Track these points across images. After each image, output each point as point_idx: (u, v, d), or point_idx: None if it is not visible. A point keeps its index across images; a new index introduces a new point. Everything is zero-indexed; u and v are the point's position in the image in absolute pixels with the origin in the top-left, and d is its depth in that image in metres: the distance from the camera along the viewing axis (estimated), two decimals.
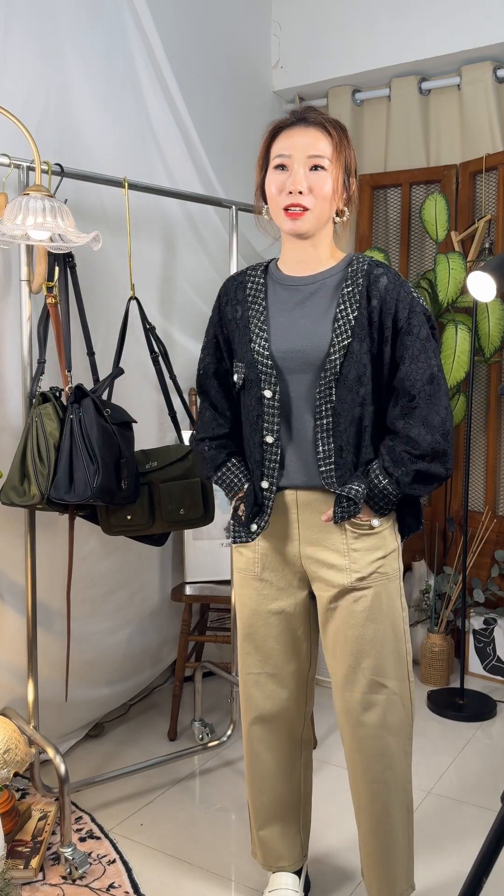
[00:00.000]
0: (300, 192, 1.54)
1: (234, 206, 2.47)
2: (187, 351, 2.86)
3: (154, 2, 2.62)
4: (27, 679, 2.13)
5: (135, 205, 2.51)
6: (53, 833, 2.09)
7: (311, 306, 1.62)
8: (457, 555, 3.25)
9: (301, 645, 1.74)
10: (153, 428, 2.68)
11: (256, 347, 1.63)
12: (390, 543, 1.66)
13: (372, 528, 1.62)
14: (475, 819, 2.20)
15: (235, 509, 1.70)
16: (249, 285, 1.70)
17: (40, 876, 1.94)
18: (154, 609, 2.80)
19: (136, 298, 2.25)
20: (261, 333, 1.63)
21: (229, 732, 2.60)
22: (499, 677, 3.13)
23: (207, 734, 2.62)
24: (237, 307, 1.69)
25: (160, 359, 2.33)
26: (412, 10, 3.23)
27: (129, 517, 2.17)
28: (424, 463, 1.58)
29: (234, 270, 2.47)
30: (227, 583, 2.73)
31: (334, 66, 3.44)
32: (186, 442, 2.42)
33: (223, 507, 2.80)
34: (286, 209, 1.56)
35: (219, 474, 1.73)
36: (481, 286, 2.52)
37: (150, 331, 2.30)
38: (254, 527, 1.66)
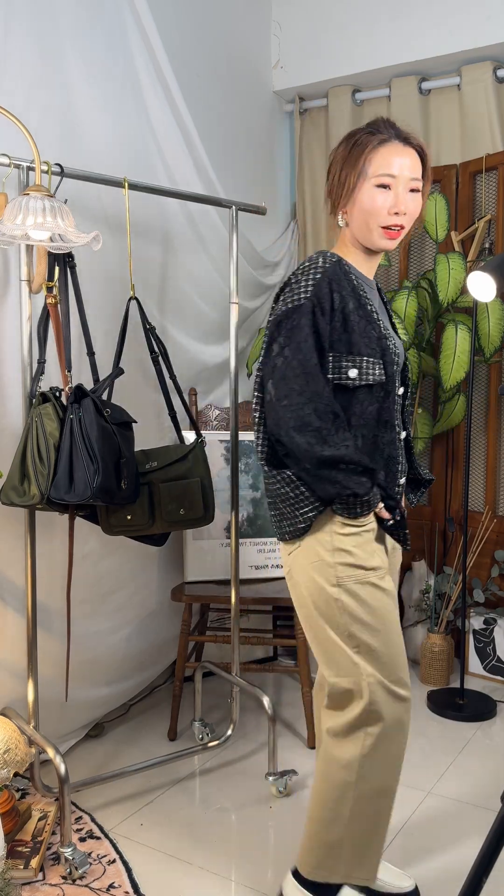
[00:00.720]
0: (404, 214, 1.63)
1: (234, 206, 2.46)
2: (187, 351, 2.86)
3: (154, 2, 2.62)
4: (27, 679, 2.12)
5: (135, 205, 2.51)
6: (53, 833, 2.09)
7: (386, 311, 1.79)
8: (457, 555, 3.25)
9: None
10: (153, 428, 2.68)
11: (391, 345, 1.65)
12: None
13: None
14: (475, 819, 2.20)
15: (394, 518, 1.67)
16: (353, 278, 1.65)
17: (40, 876, 1.94)
18: (154, 609, 2.80)
19: (136, 298, 2.25)
20: (387, 331, 1.67)
21: (229, 732, 2.60)
22: (499, 677, 3.13)
23: (207, 734, 2.62)
24: (348, 298, 1.61)
25: (160, 359, 2.33)
26: (412, 10, 3.23)
27: (129, 517, 2.17)
28: None
29: (233, 270, 2.46)
30: (227, 583, 2.73)
31: (334, 66, 3.44)
32: (187, 442, 2.42)
33: (223, 508, 2.81)
34: (387, 228, 1.63)
35: (374, 490, 1.60)
36: (481, 286, 2.52)
37: (150, 331, 2.30)
38: (398, 517, 1.70)
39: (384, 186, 1.61)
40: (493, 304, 2.92)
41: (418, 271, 3.42)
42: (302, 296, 1.58)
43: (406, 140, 1.63)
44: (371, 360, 1.61)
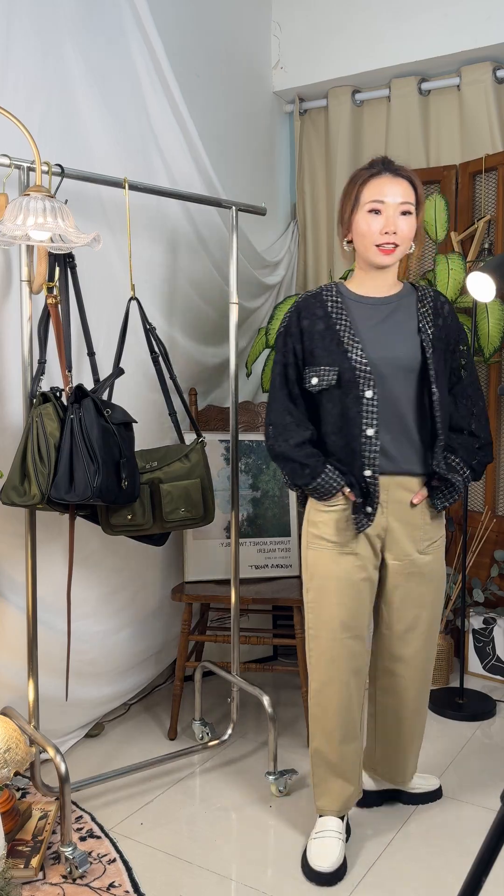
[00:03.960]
0: (394, 233, 1.88)
1: (234, 207, 2.47)
2: (188, 351, 2.86)
3: (154, 2, 2.62)
4: (27, 679, 2.13)
5: (135, 205, 2.52)
6: (54, 832, 2.09)
7: (394, 321, 1.97)
8: (456, 554, 3.25)
9: (371, 604, 2.04)
10: (153, 428, 2.68)
11: (353, 356, 1.89)
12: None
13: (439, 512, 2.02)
14: (475, 819, 2.20)
15: (359, 505, 1.91)
16: (329, 303, 1.96)
17: (41, 875, 1.94)
18: (154, 609, 2.80)
19: (136, 299, 2.25)
20: (355, 343, 1.91)
21: (229, 732, 2.60)
22: (498, 677, 3.14)
23: (207, 734, 2.63)
24: (317, 321, 1.94)
25: (160, 359, 2.33)
26: (412, 10, 3.23)
27: (129, 517, 2.17)
28: (482, 453, 2.01)
29: (234, 271, 2.47)
30: (227, 583, 2.74)
31: (334, 66, 3.44)
32: (187, 442, 2.42)
33: (223, 508, 2.81)
34: (379, 245, 1.89)
35: (318, 481, 1.91)
36: (481, 286, 2.53)
37: (150, 331, 2.31)
38: (369, 509, 1.91)
39: (375, 212, 1.89)
40: (493, 305, 2.92)
41: (418, 272, 3.42)
42: (283, 324, 2.00)
43: (396, 172, 1.91)
44: (328, 368, 1.90)
